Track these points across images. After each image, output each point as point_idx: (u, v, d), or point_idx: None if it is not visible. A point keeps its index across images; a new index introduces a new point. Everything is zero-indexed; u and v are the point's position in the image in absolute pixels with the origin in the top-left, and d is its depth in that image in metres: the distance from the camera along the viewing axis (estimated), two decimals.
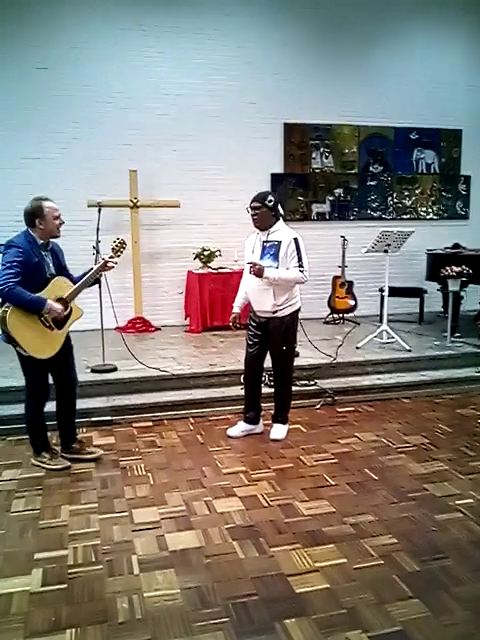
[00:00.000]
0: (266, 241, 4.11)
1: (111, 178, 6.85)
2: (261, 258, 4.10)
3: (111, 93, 7.10)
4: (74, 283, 3.74)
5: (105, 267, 3.85)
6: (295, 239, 4.06)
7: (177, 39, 7.24)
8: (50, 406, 3.94)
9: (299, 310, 4.30)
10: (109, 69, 7.07)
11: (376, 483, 3.62)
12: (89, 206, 6.49)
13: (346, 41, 7.76)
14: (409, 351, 5.89)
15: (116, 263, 3.92)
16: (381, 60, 7.97)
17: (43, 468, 3.83)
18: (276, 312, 4.13)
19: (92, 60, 7.00)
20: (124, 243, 4.07)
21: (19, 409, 4.61)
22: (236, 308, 4.40)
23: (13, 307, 3.45)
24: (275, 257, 4.05)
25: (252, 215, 4.10)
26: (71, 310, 3.72)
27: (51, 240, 3.70)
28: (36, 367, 3.69)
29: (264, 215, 4.07)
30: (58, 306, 3.57)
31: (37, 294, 3.49)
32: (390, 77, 7.98)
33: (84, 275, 3.79)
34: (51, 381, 3.89)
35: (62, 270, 3.79)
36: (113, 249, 3.99)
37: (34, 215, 3.56)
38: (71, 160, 6.99)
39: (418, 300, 7.57)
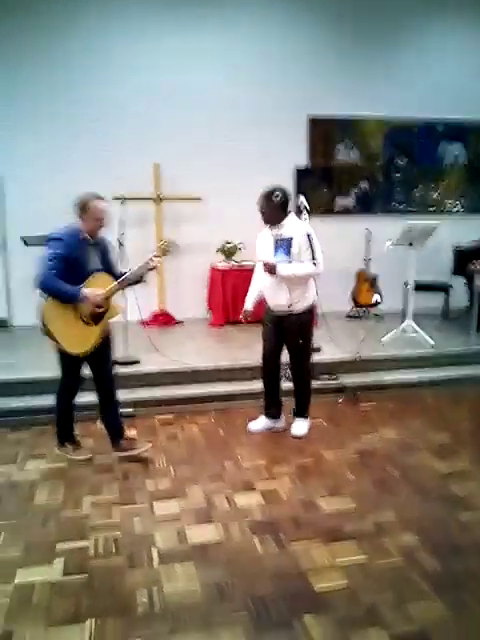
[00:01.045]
0: (278, 236, 4.08)
1: (136, 172, 6.85)
2: (274, 254, 4.08)
3: (136, 88, 7.10)
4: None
5: (149, 266, 3.76)
6: (308, 234, 4.02)
7: (201, 33, 7.20)
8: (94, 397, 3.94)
9: (315, 304, 4.27)
10: (134, 64, 7.07)
11: (398, 480, 3.58)
12: (114, 199, 6.51)
13: (371, 34, 7.64)
14: (433, 347, 5.81)
15: (159, 263, 3.81)
16: (407, 52, 7.83)
17: (66, 457, 3.89)
18: (291, 307, 4.11)
19: (117, 56, 7.02)
20: (171, 244, 3.92)
21: (44, 400, 4.69)
22: (248, 305, 4.36)
23: (50, 299, 3.45)
24: (288, 252, 4.02)
25: (260, 211, 4.09)
26: (108, 308, 3.67)
27: (101, 236, 3.68)
28: (71, 361, 3.66)
29: (271, 211, 4.05)
30: (94, 293, 3.48)
31: (74, 287, 3.46)
32: (416, 69, 7.84)
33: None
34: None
35: (108, 266, 3.74)
36: (159, 248, 3.87)
37: (78, 207, 3.57)
38: (96, 155, 7.02)
39: (443, 295, 7.47)
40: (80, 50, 6.93)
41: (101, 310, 3.60)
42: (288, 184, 7.26)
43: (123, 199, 6.34)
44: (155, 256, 3.78)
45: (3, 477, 3.67)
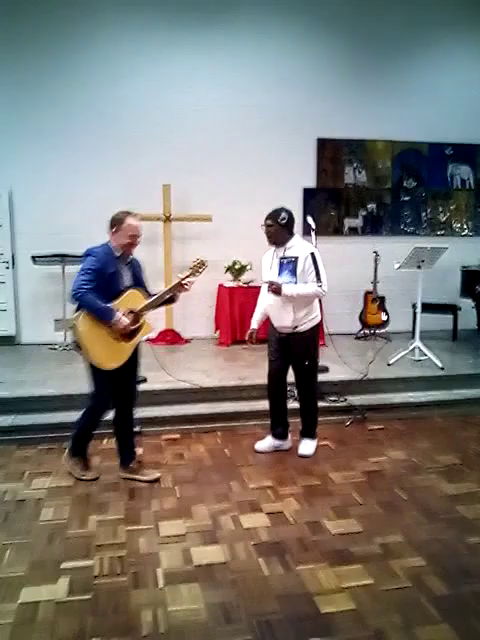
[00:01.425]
0: (283, 257, 4.11)
1: (145, 191, 6.94)
2: (279, 274, 4.10)
3: (147, 109, 7.23)
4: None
5: (180, 286, 3.71)
6: (312, 254, 4.05)
7: (213, 55, 7.35)
8: (108, 416, 3.90)
9: (320, 324, 4.29)
10: (145, 85, 7.21)
11: (406, 503, 3.55)
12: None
13: (380, 56, 7.76)
14: (442, 369, 5.78)
15: (192, 282, 3.75)
16: (415, 75, 7.93)
17: (72, 474, 3.85)
18: (297, 327, 4.12)
19: (129, 75, 7.17)
20: (204, 263, 3.79)
21: (51, 418, 4.72)
22: (254, 324, 4.40)
23: (84, 314, 3.46)
24: (293, 273, 4.05)
25: (265, 232, 4.13)
26: (141, 324, 3.68)
27: (132, 255, 3.70)
28: (103, 378, 3.63)
29: (276, 232, 4.08)
30: (125, 320, 3.51)
31: (109, 304, 3.49)
32: (424, 92, 7.93)
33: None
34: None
35: (140, 285, 3.75)
36: (191, 268, 3.77)
37: (113, 223, 3.59)
38: (106, 173, 7.13)
39: (452, 317, 7.45)
40: (91, 70, 7.09)
41: (134, 327, 3.61)
42: (296, 205, 7.34)
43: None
44: (186, 276, 3.74)
45: (9, 494, 3.66)
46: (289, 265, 4.07)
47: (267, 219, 4.10)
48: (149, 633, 2.37)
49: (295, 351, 4.18)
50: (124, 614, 2.49)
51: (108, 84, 7.13)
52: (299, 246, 4.11)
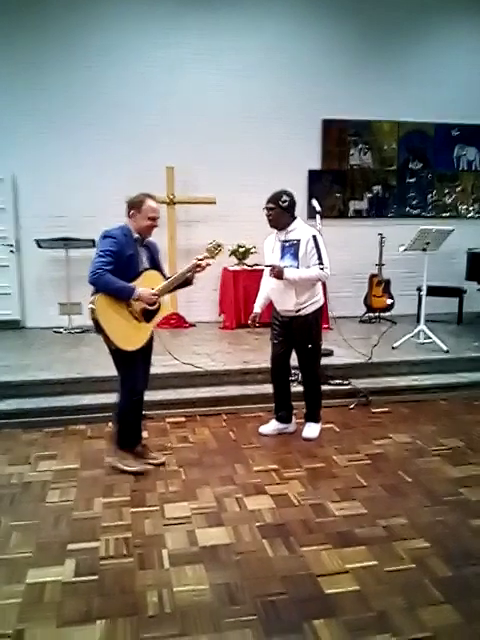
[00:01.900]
0: (285, 240, 4.07)
1: (149, 175, 6.89)
2: (281, 258, 4.07)
3: (150, 92, 7.17)
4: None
5: (197, 268, 3.67)
6: (314, 236, 4.00)
7: (217, 38, 7.25)
8: (113, 399, 3.83)
9: (322, 307, 4.27)
10: (149, 68, 7.14)
11: (410, 486, 3.56)
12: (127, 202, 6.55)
13: (385, 36, 7.65)
14: (447, 352, 5.77)
15: (209, 265, 3.72)
16: (421, 55, 7.82)
17: (118, 468, 3.74)
18: (299, 311, 4.10)
19: (133, 59, 7.10)
20: (220, 246, 3.76)
21: (56, 402, 4.75)
22: (257, 308, 4.37)
23: (102, 295, 3.41)
24: (295, 256, 4.01)
25: (267, 215, 4.08)
26: (160, 305, 3.66)
27: (149, 238, 3.67)
28: (128, 361, 3.60)
29: (278, 215, 4.04)
30: (148, 292, 3.49)
31: (128, 283, 3.45)
32: (431, 72, 7.83)
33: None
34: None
35: (156, 267, 3.73)
36: (208, 250, 3.73)
37: (132, 206, 3.55)
38: (110, 157, 7.09)
39: (457, 300, 7.43)
40: (96, 52, 7.02)
41: (153, 308, 3.60)
42: (301, 187, 7.29)
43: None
44: (203, 257, 3.70)
45: (16, 477, 3.69)
46: (291, 248, 4.04)
47: (268, 202, 4.05)
48: (155, 613, 2.40)
49: (298, 334, 4.17)
50: (130, 595, 2.52)
51: (111, 68, 7.06)
52: (301, 229, 4.07)
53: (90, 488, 3.54)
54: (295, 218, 4.10)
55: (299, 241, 4.00)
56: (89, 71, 7.01)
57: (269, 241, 4.25)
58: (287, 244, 4.06)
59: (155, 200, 3.61)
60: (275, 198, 4.03)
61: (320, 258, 3.98)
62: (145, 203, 3.53)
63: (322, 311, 4.29)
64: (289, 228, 4.06)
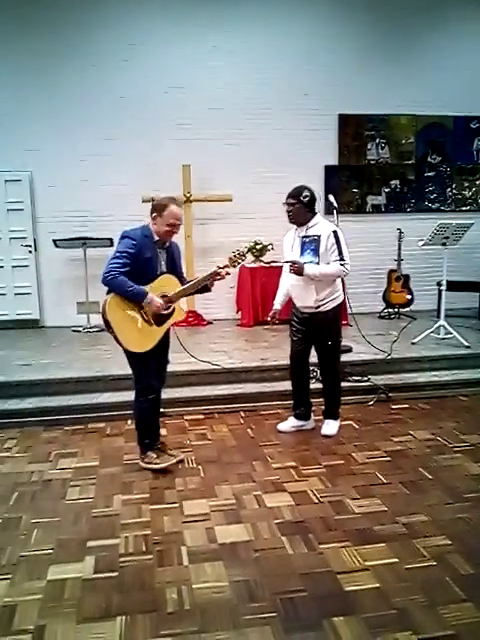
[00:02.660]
0: (305, 236, 4.05)
1: (165, 172, 6.92)
2: (301, 254, 4.05)
3: (165, 88, 7.19)
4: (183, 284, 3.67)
5: (216, 276, 3.64)
6: (334, 232, 3.98)
7: (231, 31, 7.24)
8: (132, 396, 3.81)
9: (342, 304, 4.24)
10: (163, 64, 7.15)
11: (430, 482, 3.52)
12: (144, 201, 6.58)
13: (402, 29, 7.56)
14: (468, 347, 5.70)
15: (228, 273, 3.69)
16: (439, 47, 7.72)
17: (150, 469, 3.72)
18: (319, 307, 4.08)
19: (147, 55, 7.11)
20: (243, 255, 3.77)
21: (76, 400, 4.79)
22: (277, 305, 4.35)
23: (114, 296, 3.42)
24: (315, 252, 3.99)
25: (287, 211, 4.06)
26: (174, 310, 3.65)
27: (171, 240, 3.65)
28: (141, 360, 3.60)
29: (299, 211, 4.01)
30: (159, 301, 3.47)
31: (140, 286, 3.44)
32: (449, 65, 7.72)
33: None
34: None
35: (176, 271, 3.71)
36: (230, 259, 3.71)
37: (155, 209, 3.53)
38: (126, 156, 7.12)
39: (478, 295, 7.32)
40: (109, 50, 7.07)
41: (166, 312, 3.58)
42: (317, 183, 7.24)
43: (153, 200, 6.38)
44: (224, 266, 3.66)
45: (36, 475, 3.73)
46: (311, 244, 4.01)
47: (289, 197, 4.03)
48: (174, 610, 2.40)
49: (318, 331, 4.15)
50: (149, 591, 2.53)
51: (124, 65, 7.09)
52: (321, 225, 4.05)
53: (109, 485, 3.56)
54: (315, 214, 4.07)
55: (319, 237, 3.98)
56: (103, 69, 7.05)
57: (288, 237, 4.23)
58: (307, 240, 4.04)
59: (179, 206, 3.57)
60: (296, 193, 4.00)
61: (341, 254, 3.96)
62: (168, 208, 3.48)
63: (342, 307, 4.26)
64: (309, 224, 4.04)
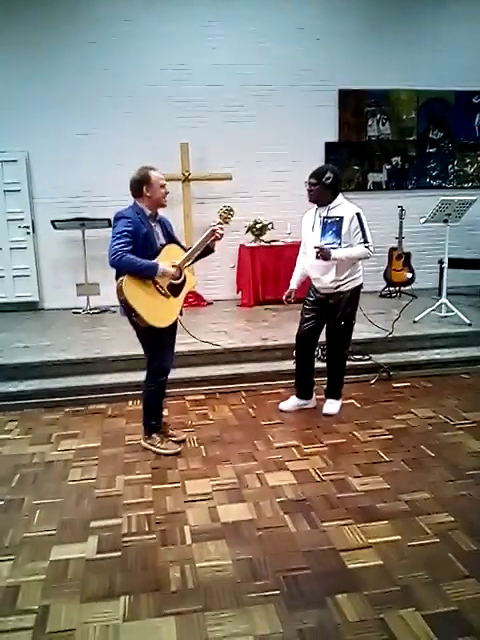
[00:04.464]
0: (327, 217, 3.98)
1: (163, 151, 6.81)
2: (322, 235, 3.98)
3: (162, 65, 7.06)
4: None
5: (213, 235, 3.62)
6: (358, 214, 3.93)
7: (229, 7, 7.10)
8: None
9: (362, 285, 4.17)
10: (160, 41, 7.02)
11: (433, 460, 3.52)
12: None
13: (402, 2, 7.40)
14: (469, 325, 5.67)
15: (222, 231, 3.65)
16: (440, 21, 7.57)
17: (152, 451, 3.72)
18: (339, 287, 4.04)
19: (143, 32, 6.98)
20: (231, 210, 3.74)
21: (76, 381, 4.78)
22: (293, 284, 4.31)
23: (128, 276, 3.38)
24: (337, 234, 3.93)
25: (308, 190, 4.00)
26: (185, 278, 3.63)
27: (159, 212, 3.63)
28: (156, 340, 3.58)
29: (320, 192, 3.95)
30: (171, 268, 3.47)
31: (150, 260, 3.41)
32: (450, 39, 7.57)
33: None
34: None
35: (172, 241, 3.70)
36: (220, 216, 3.71)
37: (142, 182, 3.49)
38: (123, 134, 7.02)
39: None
40: (105, 27, 6.94)
41: (178, 282, 3.57)
42: (318, 160, 7.14)
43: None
44: (217, 224, 3.65)
45: (38, 457, 3.72)
46: (333, 225, 3.95)
47: (311, 177, 3.96)
48: (178, 589, 2.40)
49: (333, 311, 4.10)
50: (153, 571, 2.53)
51: (121, 43, 6.96)
52: (344, 206, 3.98)
53: (111, 466, 3.56)
54: (338, 195, 4.00)
55: (342, 218, 3.92)
56: (99, 47, 6.92)
57: (308, 217, 4.17)
58: (329, 221, 3.97)
59: (155, 169, 3.55)
60: (318, 174, 3.93)
61: (365, 236, 3.93)
62: (151, 175, 3.49)
63: (360, 289, 4.19)
64: (332, 204, 3.97)
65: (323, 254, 3.89)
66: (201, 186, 7.21)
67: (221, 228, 3.64)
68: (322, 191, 3.94)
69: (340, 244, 3.92)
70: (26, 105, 6.88)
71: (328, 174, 3.92)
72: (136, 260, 3.35)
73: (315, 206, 4.08)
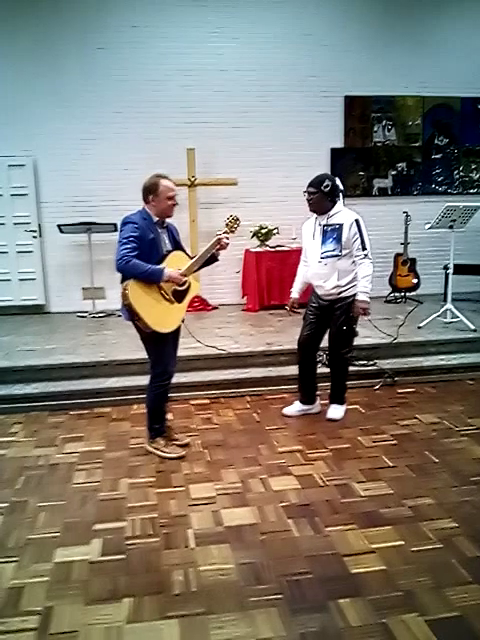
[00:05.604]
0: (327, 225, 4.01)
1: (169, 157, 6.85)
2: (323, 243, 4.02)
3: (169, 71, 7.10)
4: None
5: (219, 244, 3.65)
6: (356, 221, 3.95)
7: (235, 13, 7.14)
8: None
9: None
10: (167, 47, 7.06)
11: (436, 466, 3.52)
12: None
13: (408, 8, 7.43)
14: (474, 331, 5.66)
15: (228, 240, 3.68)
16: (445, 27, 7.58)
17: (157, 455, 3.73)
18: (341, 293, 4.06)
19: (150, 38, 7.02)
20: (237, 220, 3.79)
21: (81, 385, 4.79)
22: (295, 293, 4.34)
23: (134, 281, 3.40)
24: (337, 241, 3.96)
25: (307, 199, 4.03)
26: (189, 285, 3.65)
27: (172, 216, 3.64)
28: (159, 345, 3.61)
29: (319, 200, 3.97)
30: (177, 273, 3.49)
31: (156, 265, 3.44)
32: (455, 45, 7.58)
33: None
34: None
35: (178, 248, 3.72)
36: (226, 225, 3.75)
37: (149, 191, 3.52)
38: (129, 139, 7.06)
39: None
40: (112, 32, 6.97)
41: (183, 288, 3.59)
42: (323, 166, 7.18)
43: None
44: (223, 233, 3.68)
45: (43, 459, 3.74)
46: (334, 233, 3.98)
47: (309, 186, 3.99)
48: (181, 592, 2.41)
49: (336, 316, 4.12)
50: (156, 574, 2.54)
51: (128, 48, 7.00)
52: (343, 213, 4.01)
53: (115, 469, 3.57)
54: (337, 202, 4.03)
55: (341, 225, 3.95)
56: (107, 53, 6.97)
57: (308, 225, 4.20)
58: (329, 228, 4.00)
59: (169, 179, 3.57)
60: (317, 182, 3.96)
61: (363, 243, 3.95)
62: (160, 185, 3.50)
63: None
64: (331, 212, 4.01)
65: (365, 310, 3.99)
66: (207, 191, 7.24)
67: (227, 237, 3.66)
68: (321, 199, 3.97)
69: (341, 251, 3.96)
70: (34, 110, 6.93)
71: (326, 182, 3.94)
72: (142, 265, 3.38)
73: (315, 215, 4.10)
